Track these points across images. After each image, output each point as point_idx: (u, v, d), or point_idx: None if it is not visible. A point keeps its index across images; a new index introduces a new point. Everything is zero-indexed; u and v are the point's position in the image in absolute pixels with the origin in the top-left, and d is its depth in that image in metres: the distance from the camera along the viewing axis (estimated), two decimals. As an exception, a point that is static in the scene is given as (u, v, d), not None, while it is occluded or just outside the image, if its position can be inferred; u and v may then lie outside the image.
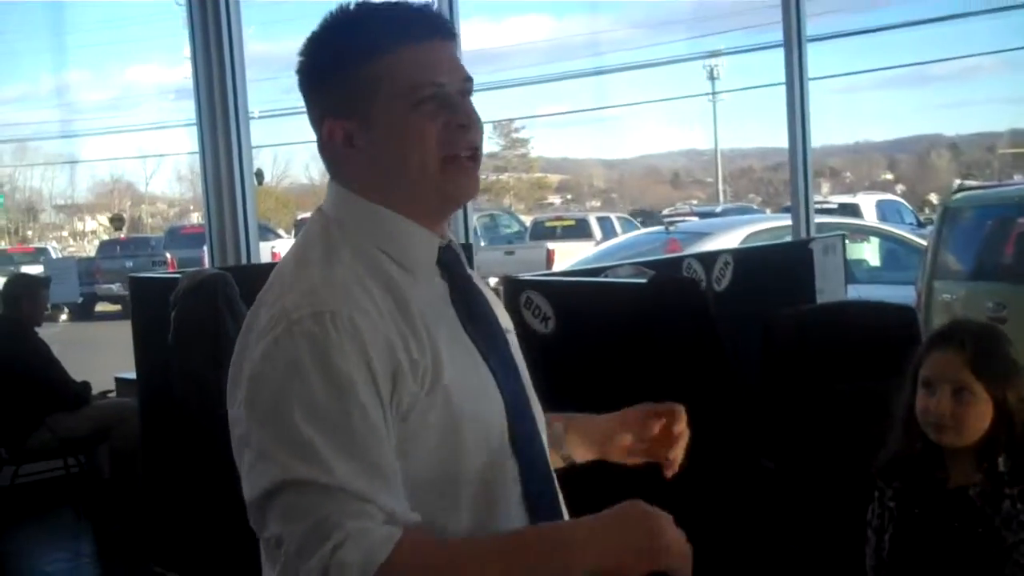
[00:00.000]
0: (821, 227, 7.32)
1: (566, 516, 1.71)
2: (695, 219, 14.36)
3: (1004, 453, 2.50)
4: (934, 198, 32.45)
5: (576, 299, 3.46)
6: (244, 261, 6.32)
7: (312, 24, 1.61)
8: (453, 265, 1.66)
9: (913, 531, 2.61)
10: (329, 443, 1.41)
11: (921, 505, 2.61)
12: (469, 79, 1.62)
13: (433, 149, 1.56)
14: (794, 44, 5.54)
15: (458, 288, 1.65)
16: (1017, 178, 23.09)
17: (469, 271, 1.71)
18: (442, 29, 1.61)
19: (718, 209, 21.88)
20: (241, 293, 5.12)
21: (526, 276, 3.55)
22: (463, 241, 6.58)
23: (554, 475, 1.74)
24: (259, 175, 6.97)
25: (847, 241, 10.62)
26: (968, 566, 2.51)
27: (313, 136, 1.63)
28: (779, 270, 4.96)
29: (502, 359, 1.67)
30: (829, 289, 5.05)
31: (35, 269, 12.38)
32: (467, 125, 1.59)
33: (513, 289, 3.45)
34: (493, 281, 3.63)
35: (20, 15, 43.09)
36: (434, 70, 1.57)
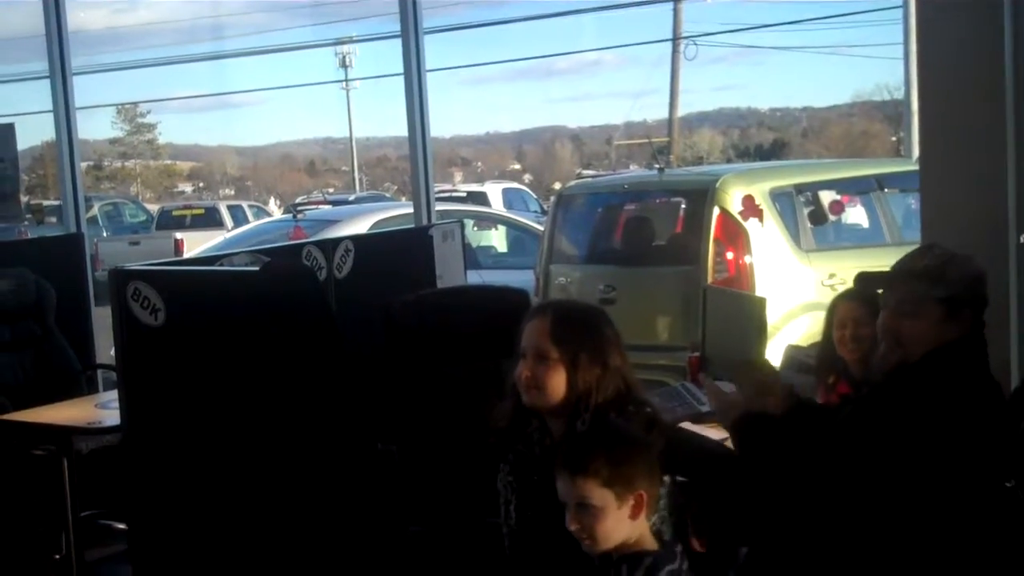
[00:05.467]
0: (447, 214, 7.49)
1: None
2: (327, 207, 14.31)
3: (589, 414, 2.67)
4: (558, 187, 34.05)
5: (187, 289, 3.35)
6: None
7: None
8: None
9: (534, 497, 2.72)
10: None
11: (538, 472, 2.73)
12: None
13: None
14: (411, 34, 5.62)
15: None
16: (633, 168, 24.63)
17: None
18: None
19: (351, 198, 21.92)
20: None
21: (133, 266, 3.39)
22: (74, 230, 6.26)
23: None
24: None
25: (475, 228, 11.02)
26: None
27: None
28: (400, 256, 5.02)
29: None
30: (449, 274, 5.17)
31: None
32: None
33: (120, 280, 3.29)
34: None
35: None
36: None
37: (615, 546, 2.40)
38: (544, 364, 2.69)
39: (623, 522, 2.38)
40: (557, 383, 2.69)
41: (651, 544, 2.43)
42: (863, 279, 3.00)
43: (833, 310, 3.64)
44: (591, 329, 2.75)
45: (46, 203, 18.48)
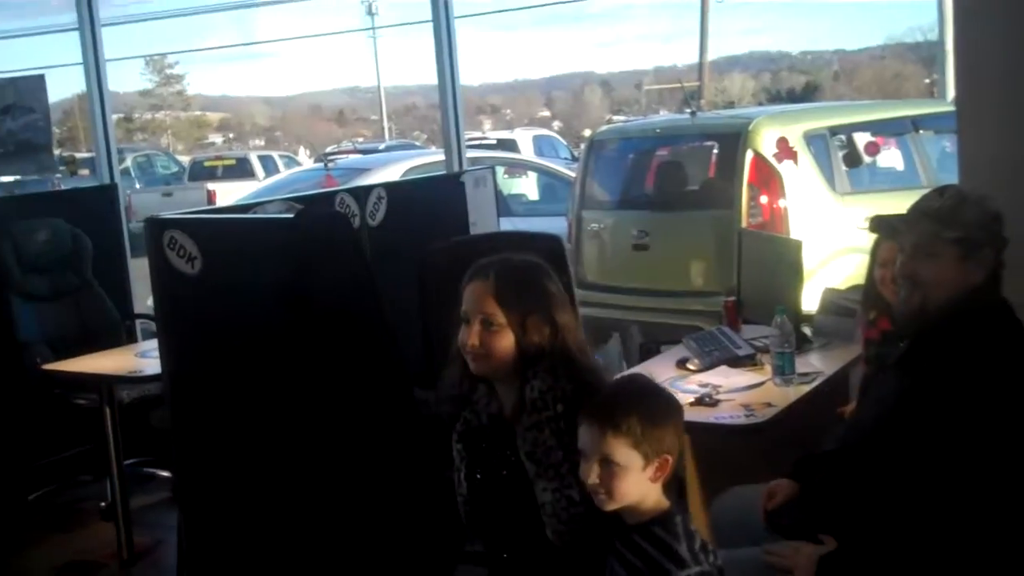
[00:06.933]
0: (478, 162, 7.46)
1: None
2: (358, 156, 14.30)
3: (537, 380, 2.54)
4: (588, 133, 33.95)
5: (223, 237, 3.35)
6: None
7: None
8: None
9: (483, 467, 2.64)
10: None
11: (486, 440, 2.65)
12: None
13: None
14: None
15: None
16: (663, 113, 24.42)
17: None
18: None
19: (381, 146, 21.89)
20: None
21: (169, 215, 3.40)
22: (107, 181, 6.28)
23: None
24: None
25: (505, 176, 10.98)
26: (522, 502, 2.54)
27: None
28: (433, 203, 5.01)
29: None
30: (482, 221, 5.16)
31: None
32: None
33: (156, 229, 3.30)
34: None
35: None
36: None
37: (629, 505, 2.32)
38: (491, 330, 2.54)
39: (643, 483, 2.30)
40: (506, 349, 2.54)
41: (665, 502, 2.34)
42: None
43: (876, 250, 3.61)
44: (537, 288, 2.59)
45: (78, 155, 18.55)
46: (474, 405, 2.68)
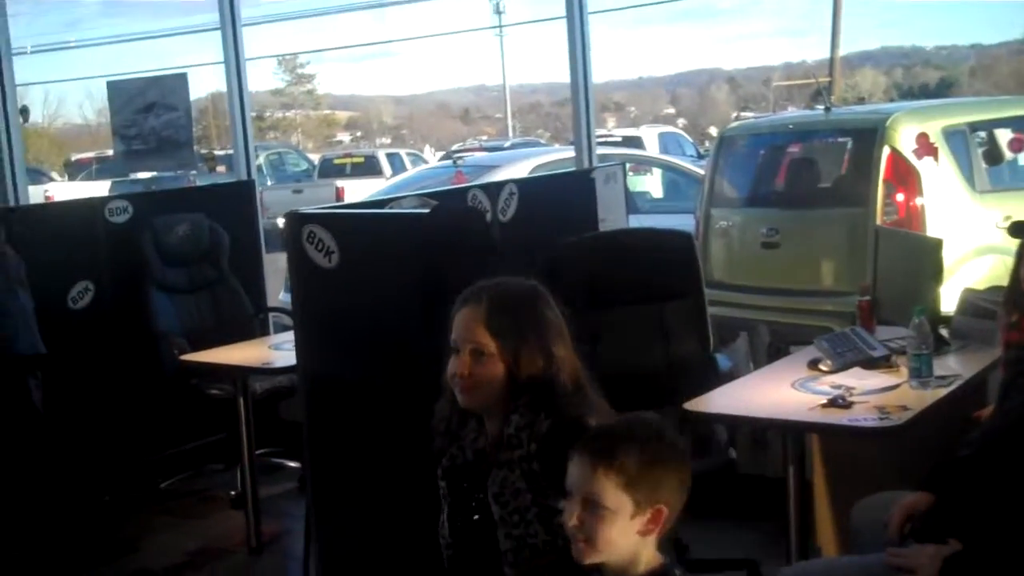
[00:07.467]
0: (605, 159, 7.45)
1: None
2: (484, 153, 14.39)
3: (517, 415, 2.38)
4: (713, 131, 33.58)
5: (360, 232, 3.41)
6: (12, 203, 6.04)
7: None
8: None
9: (465, 508, 2.47)
10: None
11: (468, 478, 2.48)
12: None
13: None
14: (574, -25, 5.56)
15: None
16: (791, 110, 24.02)
17: None
18: None
19: (506, 144, 21.99)
20: (9, 236, 4.87)
21: (308, 210, 3.47)
22: (244, 178, 6.43)
23: None
24: (24, 112, 6.64)
25: (630, 173, 10.94)
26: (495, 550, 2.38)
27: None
28: (563, 200, 5.01)
29: None
30: (611, 218, 5.14)
31: None
32: None
33: (296, 224, 3.38)
34: (281, 222, 3.56)
35: None
36: None
37: (616, 563, 2.05)
38: (481, 360, 2.37)
39: (630, 535, 2.02)
40: (496, 381, 2.37)
41: (659, 557, 2.08)
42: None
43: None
44: (532, 316, 2.41)
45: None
46: (461, 440, 2.49)
